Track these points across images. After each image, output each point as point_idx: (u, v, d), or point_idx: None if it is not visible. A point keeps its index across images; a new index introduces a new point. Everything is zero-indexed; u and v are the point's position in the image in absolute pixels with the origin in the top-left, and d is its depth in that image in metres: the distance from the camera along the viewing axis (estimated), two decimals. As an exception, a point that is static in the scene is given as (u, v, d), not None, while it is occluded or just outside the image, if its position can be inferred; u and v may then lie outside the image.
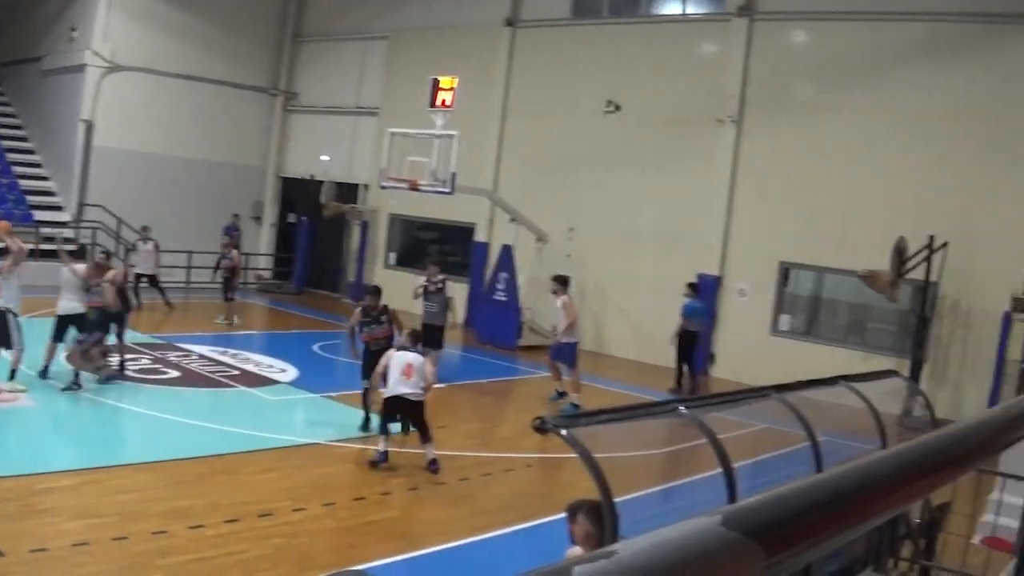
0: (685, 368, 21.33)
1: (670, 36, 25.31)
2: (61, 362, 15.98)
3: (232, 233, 31.44)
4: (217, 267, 25.16)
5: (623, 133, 25.60)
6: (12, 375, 14.67)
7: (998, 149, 20.08)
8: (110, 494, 10.61)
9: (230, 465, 12.34)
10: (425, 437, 12.86)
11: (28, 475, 10.83)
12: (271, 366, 19.22)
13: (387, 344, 14.38)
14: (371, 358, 14.44)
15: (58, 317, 15.67)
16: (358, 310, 15.32)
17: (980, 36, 20.49)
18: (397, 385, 12.71)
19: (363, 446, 13.90)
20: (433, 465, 12.76)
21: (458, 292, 28.45)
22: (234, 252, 24.93)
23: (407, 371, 12.72)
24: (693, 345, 21.24)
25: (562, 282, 18.57)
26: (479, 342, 24.85)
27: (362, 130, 32.01)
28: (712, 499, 8.71)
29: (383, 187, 23.23)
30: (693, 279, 22.23)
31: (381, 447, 12.81)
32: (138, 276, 24.55)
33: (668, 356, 23.54)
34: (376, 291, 15.38)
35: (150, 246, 25.72)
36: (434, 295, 18.72)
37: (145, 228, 26.25)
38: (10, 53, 33.45)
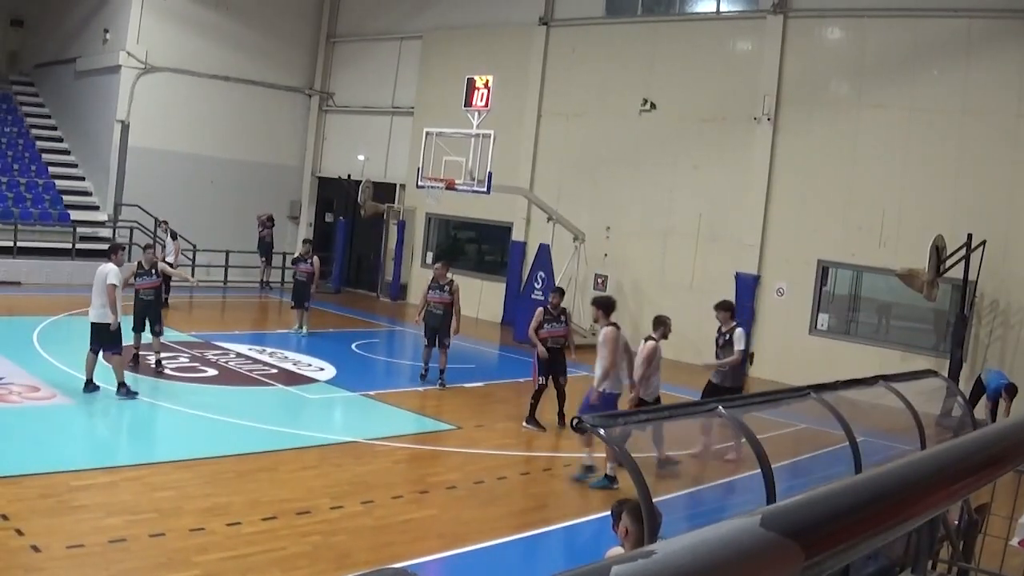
0: None
1: (705, 34, 25.20)
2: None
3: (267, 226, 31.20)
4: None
5: (659, 131, 25.52)
6: None
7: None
8: (148, 491, 10.65)
9: (268, 463, 12.38)
10: None
11: (65, 472, 10.85)
12: (309, 364, 19.29)
13: (564, 343, 16.23)
14: (549, 355, 15.88)
15: None
16: (540, 310, 16.47)
17: (1016, 32, 20.23)
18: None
19: (401, 445, 13.96)
20: None
21: (495, 291, 28.57)
22: (315, 258, 23.37)
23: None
24: None
25: (603, 306, 14.23)
26: (517, 341, 24.81)
27: (398, 130, 32.13)
28: (751, 499, 8.69)
29: (420, 187, 23.25)
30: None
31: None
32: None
33: (707, 355, 23.42)
34: (560, 292, 17.18)
35: (178, 241, 25.66)
36: None
37: (165, 222, 26.14)
38: (44, 55, 33.89)
